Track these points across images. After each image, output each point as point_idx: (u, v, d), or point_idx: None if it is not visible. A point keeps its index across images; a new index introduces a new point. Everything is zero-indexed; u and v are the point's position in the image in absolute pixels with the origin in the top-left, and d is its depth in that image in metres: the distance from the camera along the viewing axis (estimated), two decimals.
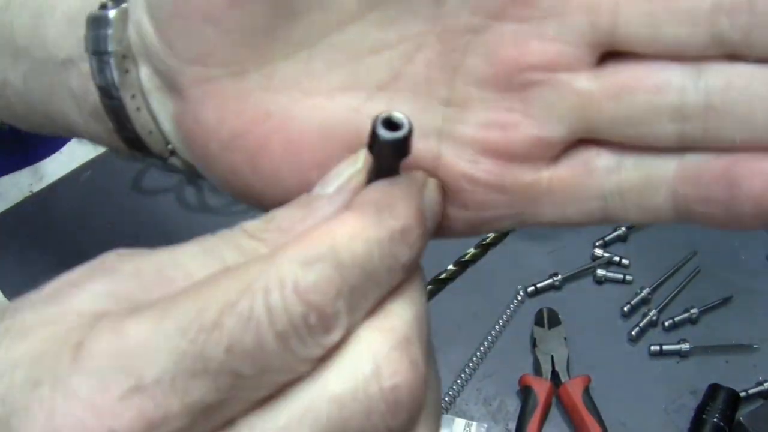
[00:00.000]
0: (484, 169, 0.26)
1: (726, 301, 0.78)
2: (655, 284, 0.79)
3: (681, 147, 0.24)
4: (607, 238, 0.81)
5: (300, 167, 0.27)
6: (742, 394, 0.71)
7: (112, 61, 0.28)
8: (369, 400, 0.21)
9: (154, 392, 0.20)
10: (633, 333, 0.75)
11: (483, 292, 0.78)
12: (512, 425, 0.70)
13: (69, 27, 0.31)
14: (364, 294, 0.22)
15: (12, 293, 0.74)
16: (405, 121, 0.24)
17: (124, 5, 0.28)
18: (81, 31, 0.29)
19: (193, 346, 0.20)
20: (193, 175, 0.31)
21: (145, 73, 0.29)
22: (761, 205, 0.23)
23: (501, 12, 0.25)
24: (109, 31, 0.28)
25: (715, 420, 0.68)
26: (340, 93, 0.27)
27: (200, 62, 0.26)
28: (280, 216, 0.25)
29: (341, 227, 0.22)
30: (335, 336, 0.22)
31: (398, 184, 0.25)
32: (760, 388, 0.72)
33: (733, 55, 0.23)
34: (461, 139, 0.26)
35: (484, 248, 0.80)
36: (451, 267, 0.79)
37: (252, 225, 0.24)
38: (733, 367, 0.74)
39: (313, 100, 0.27)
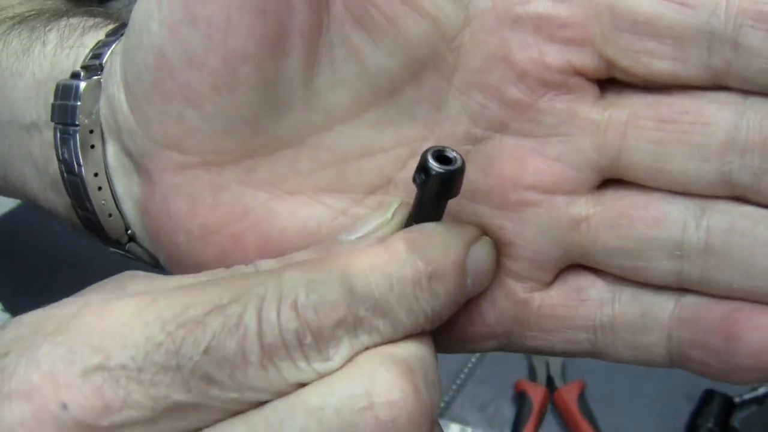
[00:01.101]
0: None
1: None
2: None
3: (679, 287, 0.23)
4: None
5: None
6: (737, 399, 0.71)
7: (77, 134, 0.26)
8: (356, 418, 0.19)
9: (117, 376, 0.19)
10: None
11: None
12: (507, 431, 0.70)
13: (37, 91, 0.29)
14: (374, 330, 0.21)
15: (8, 298, 0.73)
16: (457, 157, 0.22)
17: (97, 77, 0.26)
18: (49, 97, 0.27)
19: (169, 339, 0.19)
20: (154, 264, 0.29)
21: (112, 152, 0.27)
22: (760, 362, 0.22)
23: (503, 124, 0.23)
24: (78, 103, 0.26)
25: (709, 425, 0.68)
26: (326, 194, 0.25)
27: (175, 147, 0.24)
28: (297, 257, 0.23)
29: (363, 257, 0.21)
30: (332, 363, 0.20)
31: (440, 230, 0.23)
32: (754, 393, 0.72)
33: (741, 197, 0.22)
34: None
35: None
36: None
37: (267, 264, 0.23)
38: None
39: (296, 199, 0.25)
